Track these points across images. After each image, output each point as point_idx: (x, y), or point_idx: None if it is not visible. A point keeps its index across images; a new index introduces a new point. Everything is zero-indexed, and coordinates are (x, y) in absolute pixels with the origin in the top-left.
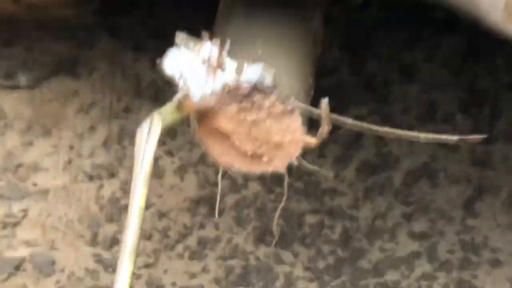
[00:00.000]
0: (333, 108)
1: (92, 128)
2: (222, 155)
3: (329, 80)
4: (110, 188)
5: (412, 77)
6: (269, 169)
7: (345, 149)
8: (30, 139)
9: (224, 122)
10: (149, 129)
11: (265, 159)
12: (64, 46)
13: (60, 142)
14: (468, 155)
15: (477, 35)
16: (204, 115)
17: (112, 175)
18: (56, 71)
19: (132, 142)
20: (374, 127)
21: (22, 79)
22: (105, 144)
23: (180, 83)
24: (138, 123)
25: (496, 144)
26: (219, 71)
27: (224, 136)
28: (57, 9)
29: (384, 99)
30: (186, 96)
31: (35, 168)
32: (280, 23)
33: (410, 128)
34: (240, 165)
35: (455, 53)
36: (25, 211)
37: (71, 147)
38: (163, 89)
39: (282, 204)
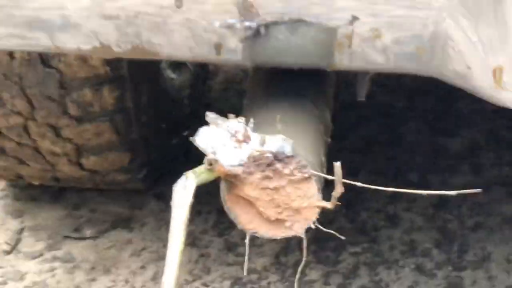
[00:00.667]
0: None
1: (143, 267)
2: (248, 222)
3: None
4: None
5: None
6: (290, 233)
7: (345, 278)
8: (93, 276)
9: (249, 189)
10: (185, 185)
11: (287, 224)
12: (120, 207)
13: (118, 278)
14: (444, 281)
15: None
16: (231, 184)
17: None
18: (114, 225)
19: None
20: (381, 188)
21: (87, 232)
22: (154, 279)
23: (211, 154)
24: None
25: (466, 271)
26: (244, 144)
27: (249, 204)
28: (113, 174)
29: (374, 240)
30: (216, 160)
31: None
32: (295, 106)
33: (395, 261)
34: (264, 231)
35: (429, 204)
36: None
37: (127, 282)
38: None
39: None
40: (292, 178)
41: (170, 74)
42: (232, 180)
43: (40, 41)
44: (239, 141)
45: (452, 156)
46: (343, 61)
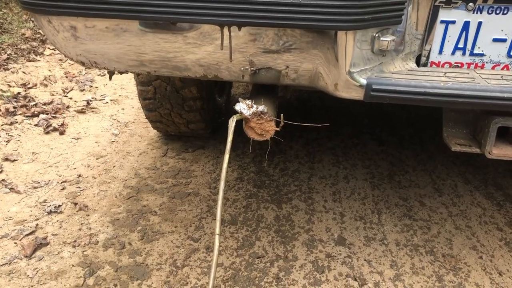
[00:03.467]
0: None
1: (211, 164)
2: (251, 135)
3: None
4: None
5: None
6: (265, 138)
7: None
8: (192, 163)
9: (252, 123)
10: (232, 119)
11: (264, 135)
12: (199, 141)
13: (200, 165)
14: None
15: None
16: (246, 121)
17: None
18: (197, 148)
19: None
20: (295, 123)
21: (189, 150)
22: (216, 169)
23: (240, 111)
24: None
25: None
26: (251, 108)
27: (252, 129)
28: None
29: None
30: (242, 112)
31: None
32: (268, 96)
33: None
34: (256, 138)
35: None
36: None
37: (204, 167)
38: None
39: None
40: (266, 120)
41: (217, 97)
42: (246, 120)
43: None
44: (249, 107)
45: None
46: (284, 81)
